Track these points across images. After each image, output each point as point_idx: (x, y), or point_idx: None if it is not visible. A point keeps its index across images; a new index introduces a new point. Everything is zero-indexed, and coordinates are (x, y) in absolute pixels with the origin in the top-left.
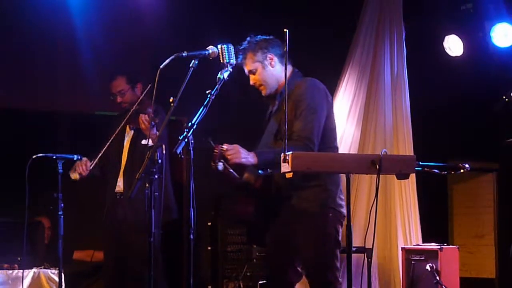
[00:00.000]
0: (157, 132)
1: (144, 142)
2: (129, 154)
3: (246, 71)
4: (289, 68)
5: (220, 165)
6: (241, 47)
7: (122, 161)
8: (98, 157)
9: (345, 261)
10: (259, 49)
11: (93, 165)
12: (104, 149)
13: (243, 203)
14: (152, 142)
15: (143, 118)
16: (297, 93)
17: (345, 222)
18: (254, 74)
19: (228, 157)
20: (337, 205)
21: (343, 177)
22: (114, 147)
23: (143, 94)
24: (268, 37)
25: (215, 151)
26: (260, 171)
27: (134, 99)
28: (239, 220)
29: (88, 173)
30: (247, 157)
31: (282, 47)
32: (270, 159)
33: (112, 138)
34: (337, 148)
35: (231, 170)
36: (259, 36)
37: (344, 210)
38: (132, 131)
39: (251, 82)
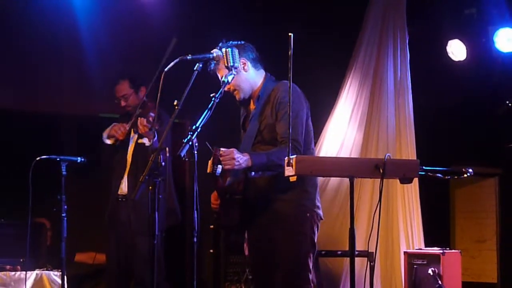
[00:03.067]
0: (156, 135)
1: (141, 140)
2: (134, 157)
3: (220, 76)
4: (262, 73)
5: (219, 169)
6: (211, 54)
7: (127, 164)
8: (132, 120)
9: (348, 265)
10: (229, 54)
11: (128, 126)
12: (135, 115)
13: (227, 208)
14: (149, 141)
15: (141, 122)
16: (276, 96)
17: (348, 226)
18: (223, 79)
19: (223, 162)
20: (315, 206)
21: (320, 180)
22: (119, 150)
23: (144, 97)
24: (239, 42)
25: (215, 154)
26: (253, 173)
27: (138, 102)
28: (223, 227)
29: (123, 137)
30: (241, 163)
31: (254, 52)
32: (264, 162)
33: (132, 121)
34: (314, 150)
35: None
36: (230, 41)
37: (321, 212)
38: (136, 135)
39: (225, 88)
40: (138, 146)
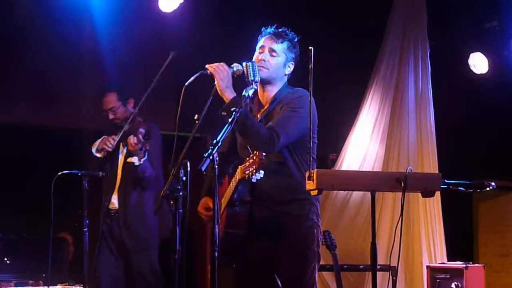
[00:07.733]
0: (147, 155)
1: (130, 159)
2: (124, 172)
3: (267, 46)
4: (285, 79)
5: (260, 175)
6: (287, 33)
7: (117, 178)
8: (121, 134)
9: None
10: (293, 50)
11: (118, 138)
12: (124, 128)
13: (234, 214)
14: (138, 160)
15: (132, 141)
16: (289, 97)
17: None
18: (270, 53)
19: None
20: (319, 221)
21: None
22: (109, 164)
23: (133, 109)
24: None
25: (260, 159)
26: (224, 113)
27: (126, 115)
28: (226, 232)
29: (112, 149)
30: (228, 86)
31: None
32: (250, 122)
33: (121, 135)
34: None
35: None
36: (293, 35)
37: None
38: (125, 149)
39: (261, 56)
40: (127, 163)
